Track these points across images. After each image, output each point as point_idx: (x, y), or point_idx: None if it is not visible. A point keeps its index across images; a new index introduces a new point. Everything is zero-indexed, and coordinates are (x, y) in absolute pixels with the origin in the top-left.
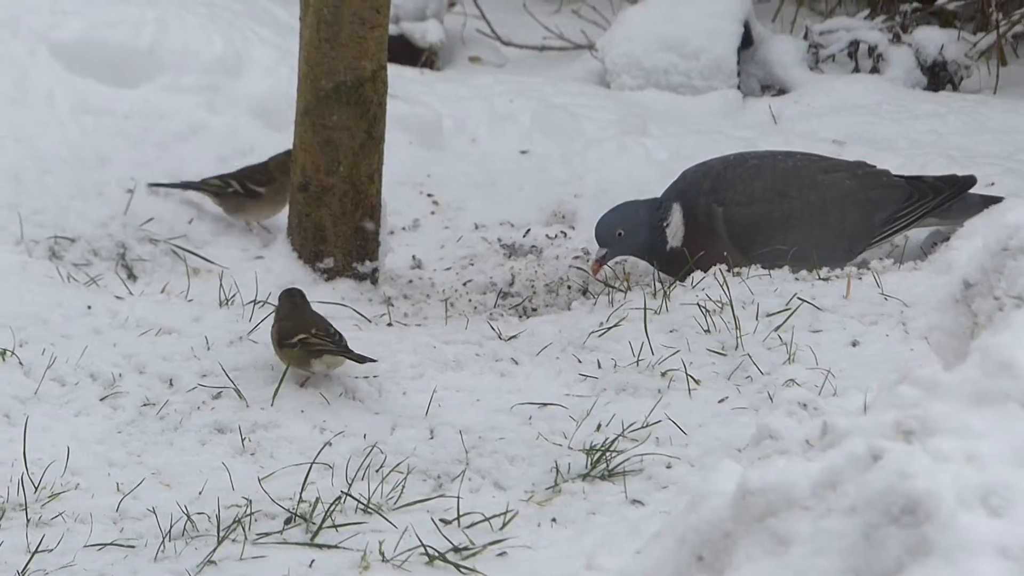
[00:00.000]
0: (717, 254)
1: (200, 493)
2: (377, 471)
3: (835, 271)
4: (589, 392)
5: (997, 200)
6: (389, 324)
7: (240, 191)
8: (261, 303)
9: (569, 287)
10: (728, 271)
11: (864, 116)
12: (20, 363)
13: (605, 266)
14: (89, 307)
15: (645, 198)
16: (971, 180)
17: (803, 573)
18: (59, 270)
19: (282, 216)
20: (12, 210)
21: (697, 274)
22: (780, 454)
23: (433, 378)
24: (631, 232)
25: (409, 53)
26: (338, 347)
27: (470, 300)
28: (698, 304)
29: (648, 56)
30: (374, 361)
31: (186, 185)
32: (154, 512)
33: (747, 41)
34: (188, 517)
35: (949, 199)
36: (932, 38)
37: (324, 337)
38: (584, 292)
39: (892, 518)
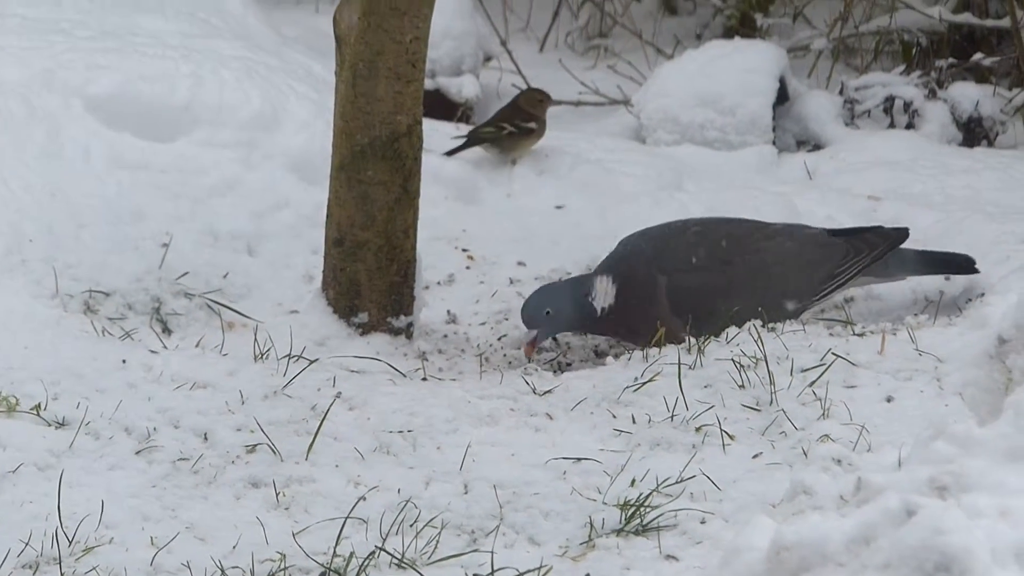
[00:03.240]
0: (654, 321)
1: (234, 547)
2: (411, 526)
3: (870, 327)
4: (623, 447)
5: (933, 255)
6: (424, 379)
7: (515, 131)
8: (296, 357)
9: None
10: (678, 341)
11: (899, 172)
12: (55, 417)
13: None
14: (124, 361)
15: (565, 279)
16: (903, 233)
17: None
18: (94, 324)
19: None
20: (47, 264)
21: (732, 329)
22: (814, 510)
23: (467, 433)
24: (559, 309)
25: (445, 108)
26: None
27: (505, 355)
28: (732, 359)
29: (684, 111)
30: None
31: (468, 140)
32: (188, 566)
33: (782, 97)
34: (223, 571)
35: (882, 255)
36: (967, 94)
37: None
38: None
39: (927, 574)
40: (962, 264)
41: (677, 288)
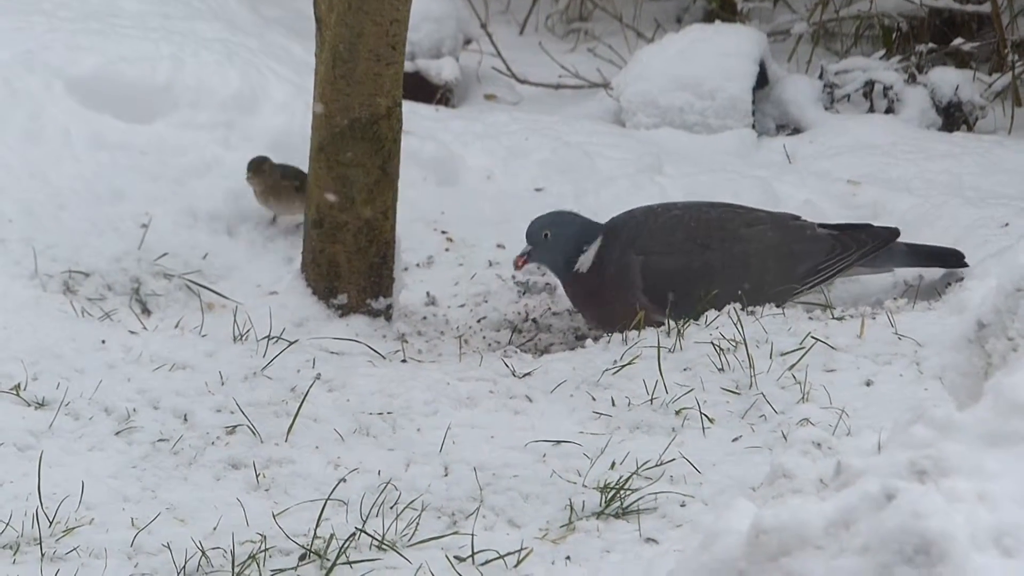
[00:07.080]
0: (628, 304)
1: (215, 528)
2: (391, 508)
3: (849, 310)
4: (603, 430)
5: (923, 248)
6: (403, 360)
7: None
8: (275, 339)
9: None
10: (656, 325)
11: (879, 156)
12: (34, 397)
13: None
14: (103, 341)
15: (590, 218)
16: (895, 233)
17: None
18: (73, 304)
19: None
20: (27, 244)
21: (711, 312)
22: (794, 493)
23: (447, 415)
24: (557, 238)
25: (424, 90)
26: None
27: (484, 337)
28: (712, 343)
29: (663, 95)
30: None
31: None
32: (169, 547)
33: (762, 80)
34: (203, 553)
35: (870, 253)
36: (947, 79)
37: None
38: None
39: (905, 558)
40: (952, 258)
41: (652, 269)
